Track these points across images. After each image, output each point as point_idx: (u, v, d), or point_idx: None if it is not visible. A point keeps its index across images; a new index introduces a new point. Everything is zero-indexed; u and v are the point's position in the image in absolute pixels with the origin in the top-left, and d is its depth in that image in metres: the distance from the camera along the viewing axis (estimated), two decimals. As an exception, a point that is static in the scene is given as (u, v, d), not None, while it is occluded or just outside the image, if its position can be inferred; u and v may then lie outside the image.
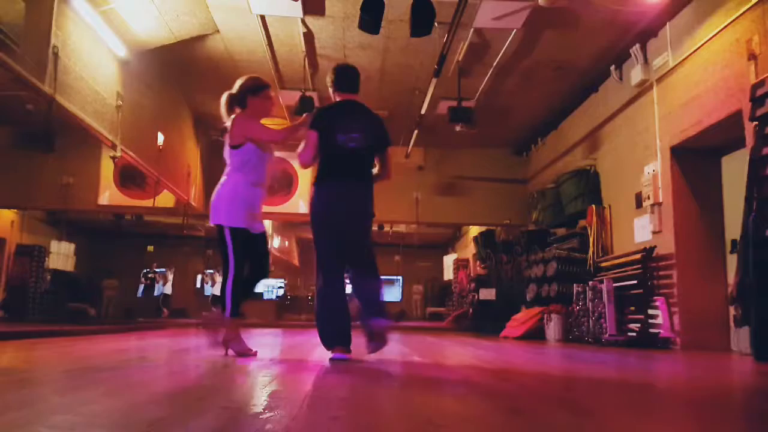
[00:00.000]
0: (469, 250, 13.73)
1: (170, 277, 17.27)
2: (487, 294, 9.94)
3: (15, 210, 12.89)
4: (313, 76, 7.89)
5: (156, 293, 16.70)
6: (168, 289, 17.02)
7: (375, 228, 7.93)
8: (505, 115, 9.33)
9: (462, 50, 7.01)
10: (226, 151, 3.50)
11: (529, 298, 8.26)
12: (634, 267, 6.17)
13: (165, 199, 10.30)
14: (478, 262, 11.66)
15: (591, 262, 7.28)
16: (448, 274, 15.94)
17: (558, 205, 8.66)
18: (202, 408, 1.74)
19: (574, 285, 6.99)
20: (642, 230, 6.38)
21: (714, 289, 5.56)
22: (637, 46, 6.38)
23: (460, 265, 13.48)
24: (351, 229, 3.44)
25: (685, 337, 5.52)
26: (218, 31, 6.87)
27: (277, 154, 4.25)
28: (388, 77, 7.99)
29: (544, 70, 7.65)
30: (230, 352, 3.43)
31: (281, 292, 19.52)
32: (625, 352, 5.02)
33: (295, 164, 10.21)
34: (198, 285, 18.49)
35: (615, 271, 6.59)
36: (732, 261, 5.03)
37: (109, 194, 10.69)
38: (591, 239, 7.37)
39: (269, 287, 20.39)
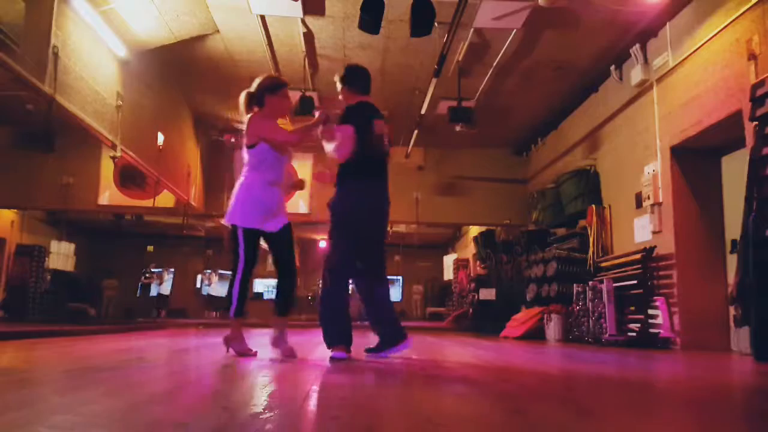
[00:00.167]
0: (469, 250, 13.73)
1: (166, 277, 17.26)
2: (487, 294, 9.94)
3: (15, 210, 12.89)
4: (313, 76, 7.89)
5: (152, 293, 16.70)
6: (164, 290, 17.00)
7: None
8: (505, 115, 9.33)
9: (462, 50, 7.01)
10: (244, 151, 3.48)
11: (529, 298, 8.26)
12: (634, 267, 6.16)
13: (165, 199, 10.31)
14: (478, 262, 11.66)
15: (591, 262, 7.28)
16: (448, 274, 15.94)
17: (558, 205, 8.66)
18: (202, 408, 1.74)
19: (574, 285, 6.99)
20: (642, 230, 6.37)
21: (714, 289, 5.56)
22: (637, 46, 6.38)
23: (460, 265, 13.48)
24: (375, 227, 3.53)
25: (685, 337, 5.52)
26: (218, 31, 6.87)
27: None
28: (388, 77, 7.99)
29: (544, 70, 7.65)
30: (231, 351, 3.44)
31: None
32: (625, 352, 5.02)
33: (302, 166, 10.22)
34: (198, 285, 18.50)
35: (615, 271, 6.59)
36: (732, 261, 5.03)
37: (109, 194, 10.69)
38: (591, 239, 7.37)
39: (269, 287, 20.38)
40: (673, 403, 2.09)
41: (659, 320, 5.65)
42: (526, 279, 8.60)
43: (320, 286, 3.53)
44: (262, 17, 6.49)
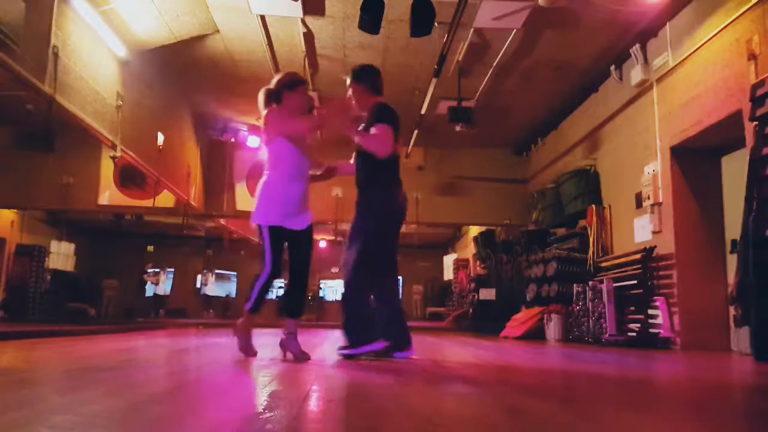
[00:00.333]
0: (469, 250, 13.73)
1: (163, 277, 17.24)
2: (487, 294, 9.94)
3: (15, 210, 12.89)
4: (313, 76, 7.89)
5: (148, 294, 16.69)
6: (160, 290, 16.99)
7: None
8: (505, 115, 9.32)
9: (462, 50, 7.01)
10: (263, 149, 3.43)
11: (529, 298, 8.26)
12: (634, 267, 6.16)
13: (165, 199, 10.30)
14: (478, 262, 11.66)
15: (591, 262, 7.28)
16: (448, 274, 15.94)
17: (558, 205, 8.66)
18: (202, 408, 1.75)
19: (574, 285, 6.99)
20: (642, 230, 6.37)
21: (714, 289, 5.56)
22: (637, 46, 6.38)
23: (460, 265, 13.48)
24: (399, 233, 3.62)
25: (685, 337, 5.52)
26: (218, 31, 6.87)
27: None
28: (388, 77, 7.86)
29: (544, 70, 7.64)
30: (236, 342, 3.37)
31: (281, 292, 19.51)
32: (625, 352, 5.02)
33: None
34: (198, 285, 18.50)
35: (615, 271, 6.59)
36: (732, 261, 5.03)
37: (109, 194, 10.69)
38: (591, 239, 7.37)
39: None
40: (673, 403, 2.09)
41: (659, 320, 5.64)
42: (526, 279, 8.60)
43: (354, 291, 3.44)
44: (262, 17, 6.49)
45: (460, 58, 7.19)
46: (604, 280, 6.37)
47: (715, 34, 5.13)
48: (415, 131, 9.27)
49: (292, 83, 3.45)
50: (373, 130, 3.40)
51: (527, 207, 10.42)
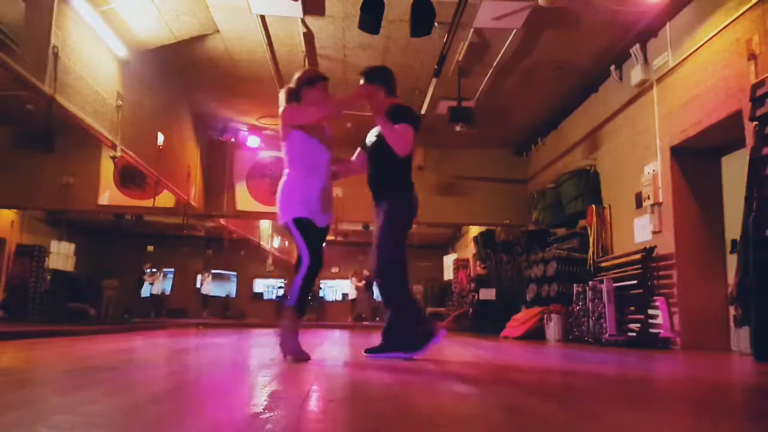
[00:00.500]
0: (469, 250, 13.72)
1: (161, 278, 17.24)
2: (487, 294, 9.94)
3: (15, 210, 12.89)
4: (313, 76, 7.88)
5: (145, 294, 16.68)
6: (157, 290, 16.98)
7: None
8: (505, 115, 9.32)
9: (462, 50, 7.01)
10: (282, 148, 3.34)
11: (529, 298, 8.26)
12: (634, 267, 6.16)
13: (165, 199, 10.30)
14: (478, 262, 11.66)
15: (591, 262, 7.28)
16: (448, 274, 15.93)
17: (558, 205, 8.66)
18: (202, 408, 1.75)
19: (574, 285, 6.99)
20: (642, 230, 6.37)
21: (714, 289, 5.56)
22: (637, 46, 6.38)
23: (460, 265, 13.47)
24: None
25: (685, 337, 5.52)
26: (218, 31, 6.87)
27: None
28: (388, 77, 7.97)
29: (544, 70, 7.64)
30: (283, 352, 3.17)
31: (281, 292, 19.53)
32: (625, 352, 5.02)
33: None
34: (198, 285, 18.51)
35: (615, 271, 6.59)
36: (732, 261, 5.03)
37: (109, 194, 10.69)
38: (591, 239, 7.37)
39: (269, 287, 20.41)
40: (673, 403, 2.09)
41: (659, 320, 5.65)
42: (526, 279, 8.60)
43: (388, 292, 3.44)
44: (262, 17, 6.49)
45: (460, 58, 7.19)
46: (604, 280, 6.37)
47: (715, 34, 5.13)
48: (415, 131, 9.25)
49: (310, 79, 3.39)
50: (400, 131, 3.39)
51: (527, 207, 10.42)
